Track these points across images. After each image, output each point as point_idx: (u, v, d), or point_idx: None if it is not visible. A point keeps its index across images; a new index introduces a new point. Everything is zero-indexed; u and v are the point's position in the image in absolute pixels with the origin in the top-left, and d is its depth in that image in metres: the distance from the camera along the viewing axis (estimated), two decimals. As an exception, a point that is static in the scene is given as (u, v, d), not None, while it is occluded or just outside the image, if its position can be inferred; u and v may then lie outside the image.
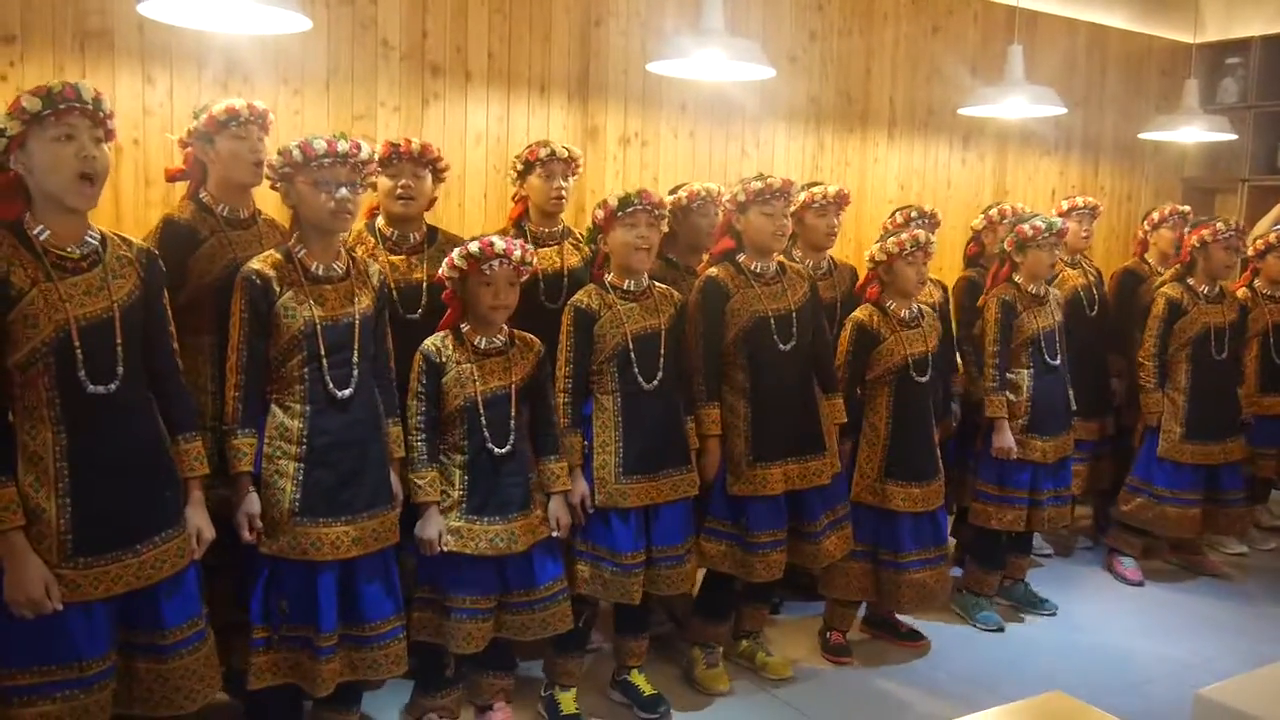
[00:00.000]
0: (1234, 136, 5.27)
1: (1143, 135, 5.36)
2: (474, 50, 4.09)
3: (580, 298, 3.12)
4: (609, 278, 3.15)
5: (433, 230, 3.36)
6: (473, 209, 4.14)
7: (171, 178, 3.05)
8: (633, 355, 3.08)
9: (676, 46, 3.43)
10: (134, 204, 3.45)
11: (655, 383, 3.10)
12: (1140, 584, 4.47)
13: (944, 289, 4.25)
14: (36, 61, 3.28)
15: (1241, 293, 4.70)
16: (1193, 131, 5.08)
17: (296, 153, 2.55)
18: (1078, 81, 5.85)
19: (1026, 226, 3.88)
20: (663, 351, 3.13)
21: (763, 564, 3.28)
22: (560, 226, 3.58)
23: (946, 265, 4.93)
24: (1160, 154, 6.29)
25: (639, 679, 3.28)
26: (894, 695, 3.48)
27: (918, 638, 3.83)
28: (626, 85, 4.44)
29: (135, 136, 3.44)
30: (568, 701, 3.17)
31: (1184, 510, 4.34)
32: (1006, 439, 3.86)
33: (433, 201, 3.35)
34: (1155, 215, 4.86)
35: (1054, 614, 4.12)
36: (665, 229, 3.24)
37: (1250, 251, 4.74)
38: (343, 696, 2.73)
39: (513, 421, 2.89)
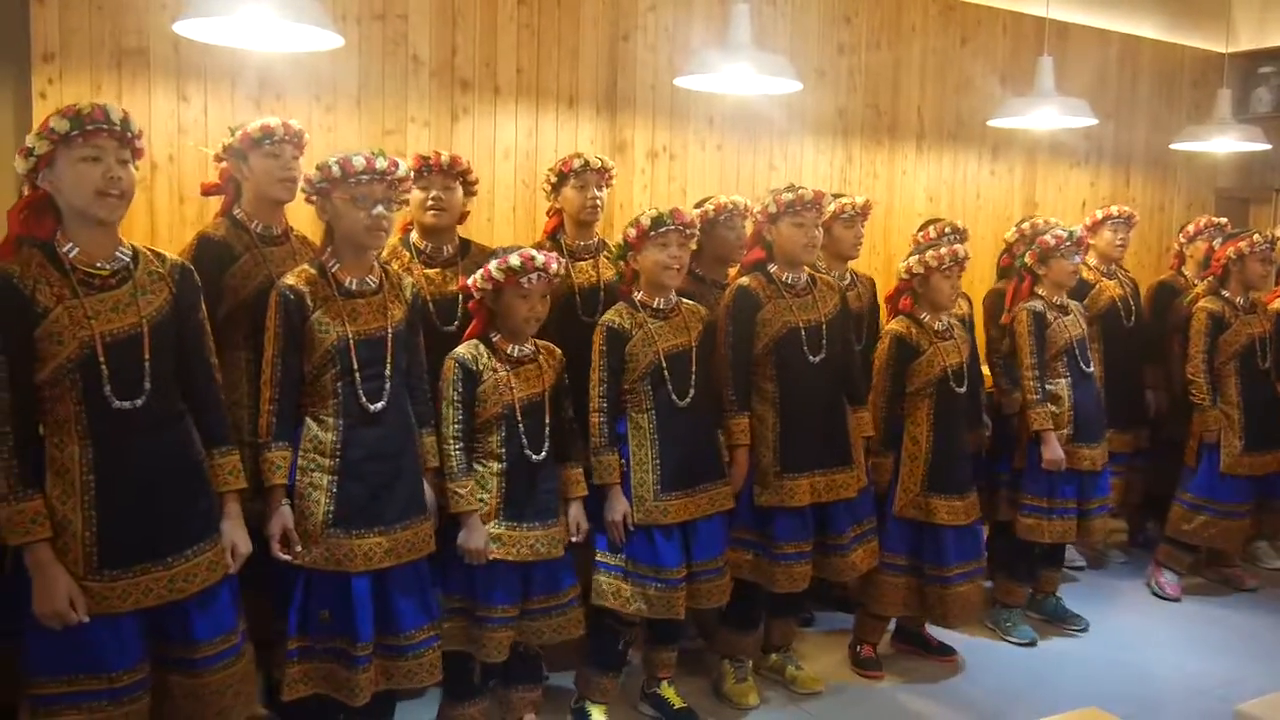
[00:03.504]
0: (1268, 146, 5.20)
1: (1175, 146, 5.31)
2: (503, 65, 4.12)
3: (611, 317, 3.12)
4: (638, 296, 3.15)
5: (465, 242, 3.38)
6: (502, 223, 4.16)
7: (207, 192, 3.11)
8: (666, 373, 3.08)
9: (704, 61, 3.44)
10: (169, 221, 3.50)
11: (689, 399, 3.11)
12: (1178, 599, 4.42)
13: (970, 302, 4.24)
14: (74, 79, 3.33)
15: (1277, 305, 4.65)
16: (1226, 142, 5.03)
17: (335, 168, 2.58)
18: (1109, 92, 5.81)
19: (1048, 237, 3.88)
20: (694, 368, 3.13)
21: (785, 575, 3.28)
22: (595, 240, 3.58)
23: (976, 279, 4.90)
24: (1192, 165, 6.23)
25: (669, 692, 3.27)
26: (925, 710, 3.45)
27: (949, 652, 3.80)
28: (654, 99, 4.46)
29: (170, 153, 3.49)
30: (599, 715, 3.18)
31: (1243, 523, 4.36)
32: (1056, 450, 3.84)
33: (464, 215, 3.37)
34: (1191, 228, 4.82)
35: (1085, 630, 4.07)
36: (694, 247, 3.24)
37: None
38: (377, 707, 2.73)
39: (547, 428, 2.91)
